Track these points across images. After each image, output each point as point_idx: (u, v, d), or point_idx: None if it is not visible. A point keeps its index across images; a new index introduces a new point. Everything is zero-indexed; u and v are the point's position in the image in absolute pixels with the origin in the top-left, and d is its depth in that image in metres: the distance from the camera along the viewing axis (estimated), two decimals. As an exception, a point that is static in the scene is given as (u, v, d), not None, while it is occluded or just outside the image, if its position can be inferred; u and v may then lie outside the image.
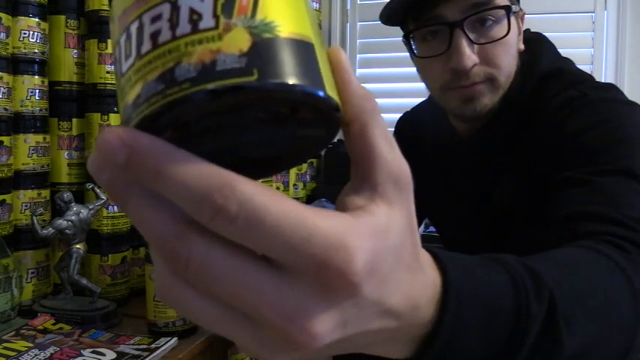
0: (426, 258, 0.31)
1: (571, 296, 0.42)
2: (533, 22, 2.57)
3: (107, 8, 1.14)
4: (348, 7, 2.53)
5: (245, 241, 0.22)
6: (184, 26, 0.24)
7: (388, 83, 2.37)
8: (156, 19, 0.24)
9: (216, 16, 0.24)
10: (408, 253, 0.28)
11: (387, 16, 0.83)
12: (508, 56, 0.78)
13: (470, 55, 0.75)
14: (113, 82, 1.16)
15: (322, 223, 0.23)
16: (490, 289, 0.35)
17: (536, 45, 0.86)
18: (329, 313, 0.24)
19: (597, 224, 0.58)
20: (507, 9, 0.75)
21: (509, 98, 0.82)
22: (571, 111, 0.75)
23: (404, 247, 0.27)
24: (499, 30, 0.76)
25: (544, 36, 0.91)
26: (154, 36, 0.24)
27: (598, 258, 0.50)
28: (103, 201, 1.10)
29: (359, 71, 2.51)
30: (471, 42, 0.75)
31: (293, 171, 2.12)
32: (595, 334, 0.43)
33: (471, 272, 0.34)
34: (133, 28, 0.25)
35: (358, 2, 2.50)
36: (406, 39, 0.83)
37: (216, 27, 0.24)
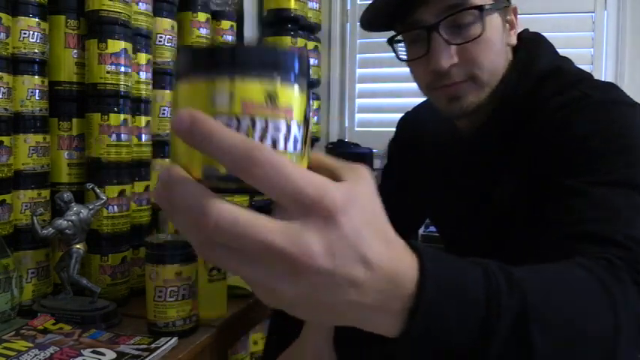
0: (399, 242, 0.37)
1: (543, 299, 0.44)
2: (534, 22, 2.56)
3: (107, 8, 1.14)
4: (348, 7, 2.53)
5: (269, 190, 0.35)
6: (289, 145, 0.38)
7: (388, 83, 2.37)
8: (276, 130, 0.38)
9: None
10: (379, 224, 0.36)
11: (368, 22, 0.85)
12: (489, 54, 0.79)
13: (446, 57, 0.77)
14: (113, 82, 1.16)
15: (313, 177, 0.34)
16: (463, 275, 0.40)
17: (534, 44, 0.87)
18: (319, 239, 0.33)
19: (594, 245, 0.60)
20: (480, 9, 0.76)
21: (506, 97, 0.83)
22: (572, 111, 0.75)
23: (374, 215, 0.36)
24: (474, 29, 0.77)
25: (542, 36, 0.91)
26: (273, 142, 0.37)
27: (579, 271, 0.52)
28: (103, 201, 1.10)
29: (359, 71, 2.51)
30: (448, 43, 0.78)
31: (293, 171, 2.11)
32: (567, 340, 0.45)
33: (445, 258, 0.40)
34: (259, 124, 0.37)
35: (358, 2, 2.50)
36: (390, 44, 0.86)
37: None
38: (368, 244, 0.34)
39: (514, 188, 0.81)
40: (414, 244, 0.39)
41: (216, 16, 1.58)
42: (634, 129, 0.72)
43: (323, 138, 2.53)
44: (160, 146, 1.36)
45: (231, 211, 0.35)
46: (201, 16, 1.48)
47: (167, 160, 1.37)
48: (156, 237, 1.07)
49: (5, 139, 1.04)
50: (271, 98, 0.39)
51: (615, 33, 2.23)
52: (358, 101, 2.53)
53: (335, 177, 0.36)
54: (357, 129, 2.54)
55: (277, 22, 2.20)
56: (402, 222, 1.14)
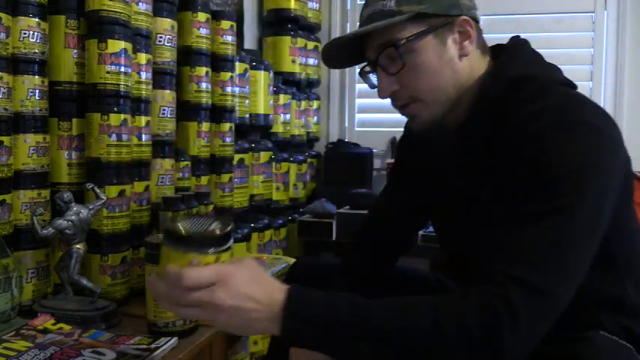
0: (275, 284, 0.72)
1: (376, 325, 0.70)
2: (534, 22, 2.57)
3: (107, 8, 1.14)
4: (348, 7, 2.53)
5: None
6: None
7: (388, 83, 2.37)
8: None
9: None
10: (258, 279, 0.71)
11: (331, 61, 0.98)
12: (424, 76, 0.87)
13: (385, 86, 0.88)
14: (113, 82, 1.16)
15: (201, 270, 0.69)
16: (317, 304, 0.72)
17: (513, 50, 0.91)
18: (223, 293, 0.67)
19: (487, 284, 0.71)
20: (396, 45, 0.85)
21: (479, 100, 0.87)
22: (528, 135, 0.77)
23: (253, 276, 0.71)
24: (399, 62, 0.86)
25: (524, 42, 0.93)
26: None
27: (424, 310, 0.71)
28: (102, 201, 1.10)
29: (359, 71, 2.51)
30: (388, 74, 0.88)
31: (293, 171, 2.12)
32: (392, 354, 0.71)
33: (304, 292, 0.72)
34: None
35: (358, 2, 2.50)
36: (361, 75, 0.98)
37: None
38: (252, 290, 0.69)
39: (490, 195, 0.83)
40: (287, 284, 0.72)
41: (216, 16, 1.58)
42: (573, 157, 0.74)
43: (323, 138, 2.53)
44: (160, 146, 1.36)
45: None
46: (201, 16, 1.48)
47: (167, 160, 1.37)
48: (156, 237, 1.07)
49: (5, 139, 1.04)
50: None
51: (615, 33, 2.22)
52: (358, 101, 2.53)
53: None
54: (357, 129, 2.54)
55: (277, 22, 2.20)
56: (407, 222, 1.14)
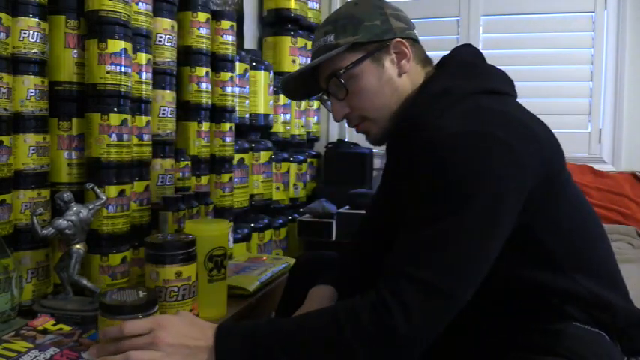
0: (206, 324, 0.82)
1: (282, 342, 0.79)
2: (534, 22, 2.57)
3: (107, 8, 1.14)
4: (348, 7, 2.53)
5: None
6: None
7: (388, 83, 2.37)
8: None
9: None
10: (191, 323, 0.82)
11: (290, 97, 1.10)
12: (367, 97, 0.95)
13: (338, 110, 0.98)
14: (113, 82, 1.16)
15: (140, 322, 0.82)
16: (239, 332, 0.81)
17: (442, 64, 0.98)
18: (167, 333, 0.79)
19: (382, 280, 0.78)
20: (335, 74, 0.94)
21: (401, 112, 0.95)
22: (422, 146, 0.84)
23: (189, 319, 0.83)
24: (343, 88, 0.95)
25: (459, 52, 0.98)
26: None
27: (326, 320, 0.79)
28: (102, 201, 1.10)
29: (319, 99, 2.51)
30: (338, 99, 0.97)
31: (293, 171, 2.12)
32: None
33: (229, 328, 0.82)
34: None
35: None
36: (320, 101, 1.08)
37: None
38: (188, 330, 0.80)
39: (402, 201, 0.90)
40: (219, 325, 0.82)
41: (216, 16, 1.58)
42: (470, 162, 0.79)
43: (323, 138, 2.53)
44: (160, 146, 1.36)
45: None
46: (201, 16, 1.48)
47: (167, 160, 1.37)
48: (156, 237, 1.08)
49: (5, 139, 1.04)
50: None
51: (615, 33, 2.22)
52: (358, 101, 2.53)
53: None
54: (357, 129, 2.55)
55: (277, 22, 2.20)
56: (390, 219, 1.16)
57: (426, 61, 0.99)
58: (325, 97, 1.03)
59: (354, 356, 0.75)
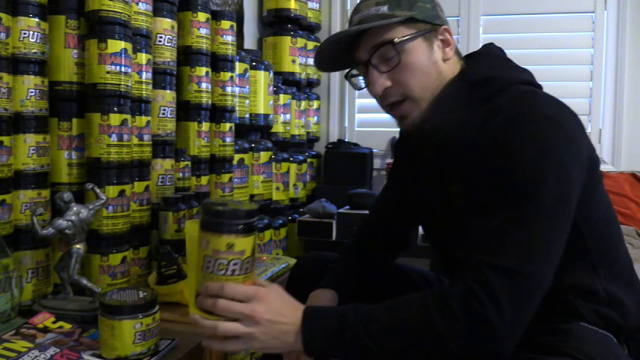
0: (297, 304, 0.84)
1: (378, 324, 0.79)
2: (534, 22, 2.57)
3: (107, 8, 1.14)
4: (348, 7, 2.53)
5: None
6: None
7: (388, 83, 2.37)
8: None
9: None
10: (284, 298, 0.84)
11: (322, 64, 1.04)
12: (415, 74, 0.93)
13: (379, 83, 0.94)
14: (113, 82, 1.16)
15: (246, 287, 0.82)
16: (328, 315, 0.82)
17: (478, 57, 0.99)
18: (262, 307, 0.80)
19: (466, 271, 0.78)
20: (392, 42, 0.92)
21: (440, 102, 0.94)
22: (488, 130, 0.84)
23: (282, 295, 0.84)
24: (395, 59, 0.93)
25: (491, 49, 1.00)
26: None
27: (414, 305, 0.79)
28: (103, 201, 1.10)
29: (344, 74, 2.51)
30: (380, 72, 0.94)
31: (293, 171, 2.12)
32: (396, 347, 0.78)
33: (317, 309, 0.85)
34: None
35: (358, 2, 2.50)
36: (346, 78, 1.05)
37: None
38: (282, 306, 0.82)
39: (461, 190, 0.90)
40: (306, 307, 0.83)
41: (216, 16, 1.58)
42: (536, 144, 0.79)
43: (323, 138, 2.53)
44: (160, 146, 1.36)
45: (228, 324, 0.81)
46: (201, 16, 1.48)
47: (167, 160, 1.37)
48: (217, 201, 1.03)
49: (5, 139, 1.04)
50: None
51: (615, 33, 2.22)
52: (358, 101, 2.53)
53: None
54: (356, 129, 2.54)
55: (277, 22, 2.20)
56: (404, 220, 1.18)
57: (459, 54, 1.00)
58: (355, 71, 1.02)
59: (448, 349, 0.75)
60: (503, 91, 0.89)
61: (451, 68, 0.96)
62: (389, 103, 0.97)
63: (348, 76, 1.05)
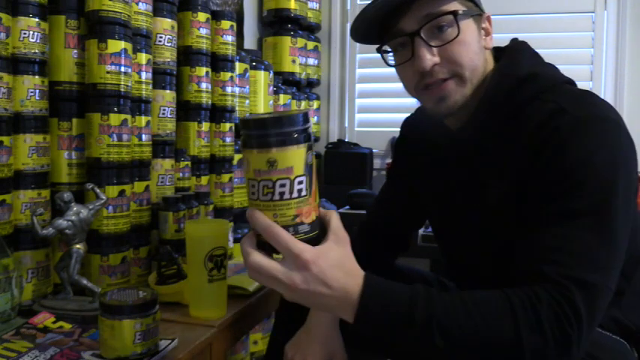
0: (355, 272, 0.72)
1: (450, 317, 0.70)
2: (534, 22, 2.57)
3: (107, 8, 1.14)
4: (348, 7, 2.53)
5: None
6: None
7: (388, 83, 2.37)
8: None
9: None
10: (340, 263, 0.70)
11: (357, 33, 0.95)
12: (468, 52, 0.88)
13: (428, 57, 0.87)
14: (113, 82, 1.16)
15: (297, 242, 0.68)
16: (391, 292, 0.72)
17: (516, 52, 0.94)
18: (299, 276, 0.68)
19: (541, 282, 0.72)
20: (454, 13, 0.86)
21: (486, 98, 0.89)
22: (553, 130, 0.80)
23: (337, 260, 0.70)
24: (452, 32, 0.86)
25: (525, 44, 0.96)
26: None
27: (498, 302, 0.71)
28: (103, 201, 1.10)
29: (359, 71, 2.51)
30: (430, 46, 0.87)
31: (293, 171, 2.11)
32: (469, 347, 0.70)
33: (380, 282, 0.72)
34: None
35: (358, 2, 2.50)
36: (379, 51, 0.95)
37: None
38: (329, 275, 0.69)
39: (503, 190, 0.86)
40: (366, 274, 0.72)
41: (216, 16, 1.57)
42: (608, 150, 0.77)
43: (323, 138, 2.53)
44: (160, 146, 1.36)
45: (258, 260, 0.70)
46: (201, 16, 1.48)
47: (167, 160, 1.37)
48: (256, 114, 0.93)
49: (5, 139, 1.04)
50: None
51: (615, 33, 2.23)
52: (358, 101, 2.53)
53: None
54: (357, 129, 2.54)
55: (277, 22, 2.20)
56: (405, 221, 1.15)
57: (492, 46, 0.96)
58: (388, 47, 0.93)
59: (521, 358, 0.71)
60: (553, 89, 0.85)
61: (487, 60, 0.92)
62: (431, 81, 0.88)
63: (380, 50, 0.95)
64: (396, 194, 1.15)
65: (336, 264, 0.69)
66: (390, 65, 0.95)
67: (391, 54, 0.94)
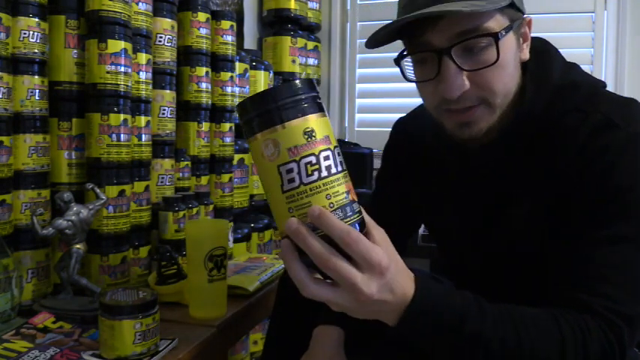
0: (410, 274, 0.65)
1: (499, 334, 0.66)
2: (534, 22, 2.56)
3: (107, 8, 1.14)
4: (348, 7, 2.53)
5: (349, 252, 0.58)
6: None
7: (388, 83, 2.36)
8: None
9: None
10: (403, 270, 0.64)
11: (376, 43, 0.81)
12: (503, 78, 0.77)
13: (458, 84, 0.75)
14: (113, 82, 1.16)
15: (375, 248, 0.59)
16: (441, 301, 0.66)
17: (545, 56, 0.84)
18: (375, 284, 0.60)
19: (582, 313, 0.69)
20: (495, 36, 0.73)
21: (522, 112, 0.80)
22: (601, 150, 0.74)
23: (401, 267, 0.64)
24: (488, 56, 0.74)
25: (549, 43, 0.88)
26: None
27: (547, 323, 0.68)
28: (103, 201, 1.10)
29: (359, 71, 2.51)
30: (460, 69, 0.74)
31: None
32: None
33: (432, 286, 0.66)
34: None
35: (358, 2, 2.50)
36: (397, 63, 0.83)
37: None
38: (398, 280, 0.62)
39: (531, 207, 0.80)
40: (417, 274, 0.66)
41: (216, 16, 1.57)
42: None
43: (323, 138, 2.52)
44: (160, 146, 1.36)
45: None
46: (201, 16, 1.48)
47: (167, 160, 1.37)
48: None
49: (5, 139, 1.04)
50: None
51: (615, 33, 2.22)
52: (358, 101, 2.53)
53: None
54: (357, 129, 2.54)
55: (277, 22, 2.20)
56: (396, 227, 1.07)
57: None
58: (408, 58, 0.80)
59: None
60: (593, 98, 0.79)
61: (519, 69, 0.81)
62: (456, 108, 0.77)
63: (399, 61, 0.82)
64: (385, 201, 1.07)
65: (402, 267, 0.64)
66: (408, 80, 0.82)
67: (410, 65, 0.82)
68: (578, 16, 2.26)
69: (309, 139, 0.56)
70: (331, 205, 0.57)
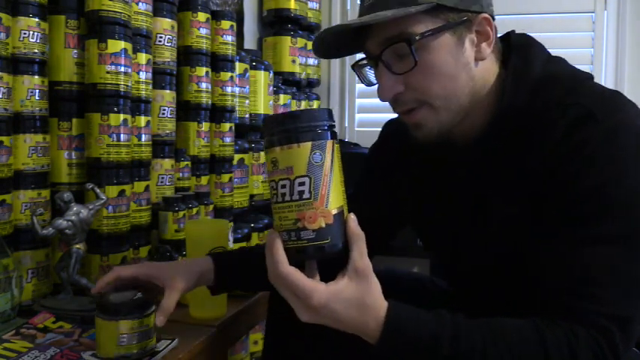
0: (375, 305, 0.68)
1: (477, 349, 0.66)
2: (534, 22, 2.57)
3: (107, 8, 1.14)
4: (348, 7, 2.53)
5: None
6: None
7: (388, 83, 2.37)
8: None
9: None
10: (356, 302, 0.66)
11: (323, 53, 0.86)
12: (438, 79, 0.77)
13: (388, 87, 0.78)
14: (113, 82, 1.16)
15: (307, 283, 0.66)
16: (416, 324, 0.68)
17: (526, 50, 0.83)
18: (308, 316, 0.67)
19: (568, 318, 0.68)
20: (409, 40, 0.74)
21: (504, 107, 0.80)
22: (580, 143, 0.72)
23: (355, 300, 0.66)
24: (412, 60, 0.75)
25: (531, 38, 0.86)
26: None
27: (529, 334, 0.67)
28: (103, 201, 1.10)
29: (352, 64, 2.51)
30: (392, 73, 0.77)
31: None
32: None
33: (404, 320, 0.68)
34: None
35: (358, 2, 2.50)
36: (353, 68, 0.88)
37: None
38: (344, 316, 0.66)
39: (511, 208, 0.79)
40: (390, 304, 0.68)
41: (216, 16, 1.57)
42: None
43: (323, 138, 2.52)
44: (160, 146, 1.36)
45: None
46: (201, 16, 1.48)
47: (167, 160, 1.37)
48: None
49: (5, 139, 1.04)
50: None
51: (615, 33, 2.22)
52: (358, 101, 2.53)
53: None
54: (357, 129, 2.54)
55: (277, 22, 2.20)
56: (381, 225, 1.05)
57: (497, 48, 0.82)
58: (363, 62, 0.84)
59: None
60: (576, 89, 0.77)
61: (487, 69, 0.80)
62: (399, 110, 0.81)
63: (356, 66, 0.86)
64: (369, 199, 1.03)
65: (352, 304, 0.66)
66: (366, 84, 0.88)
67: (371, 70, 0.84)
68: (578, 16, 2.26)
69: (274, 167, 0.66)
70: (280, 226, 0.67)
